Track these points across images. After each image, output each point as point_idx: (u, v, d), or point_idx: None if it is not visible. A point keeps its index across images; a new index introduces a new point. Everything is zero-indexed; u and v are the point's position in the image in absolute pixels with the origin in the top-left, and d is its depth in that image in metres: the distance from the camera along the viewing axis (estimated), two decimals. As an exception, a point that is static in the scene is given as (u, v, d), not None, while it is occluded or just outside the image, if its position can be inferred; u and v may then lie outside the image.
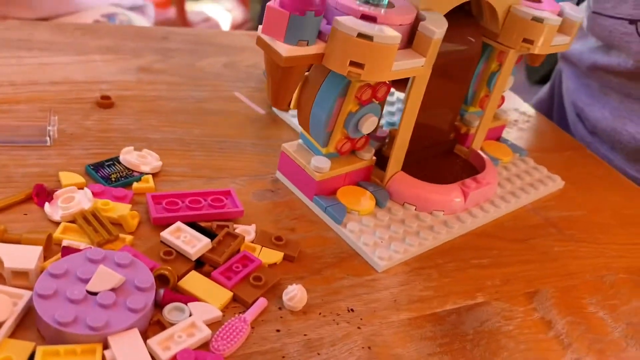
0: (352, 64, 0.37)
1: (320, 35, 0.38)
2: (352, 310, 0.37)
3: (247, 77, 0.62)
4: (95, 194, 0.40)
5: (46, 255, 0.35)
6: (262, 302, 0.35)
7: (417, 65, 0.40)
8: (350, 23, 0.36)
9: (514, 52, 0.48)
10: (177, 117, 0.53)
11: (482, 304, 0.40)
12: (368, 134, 0.45)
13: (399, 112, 0.45)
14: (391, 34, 0.36)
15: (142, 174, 0.44)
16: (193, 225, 0.39)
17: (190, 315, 0.33)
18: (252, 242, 0.40)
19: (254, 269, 0.37)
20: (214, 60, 0.64)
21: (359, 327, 0.36)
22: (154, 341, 0.31)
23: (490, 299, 0.40)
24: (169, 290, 0.34)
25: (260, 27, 0.37)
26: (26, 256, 0.33)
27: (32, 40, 0.60)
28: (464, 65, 0.49)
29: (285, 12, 0.35)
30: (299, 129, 0.45)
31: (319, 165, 0.43)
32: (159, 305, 0.34)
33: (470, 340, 0.37)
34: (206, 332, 0.32)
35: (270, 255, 0.39)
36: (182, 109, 0.54)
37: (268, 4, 0.36)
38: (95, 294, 0.32)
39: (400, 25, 0.38)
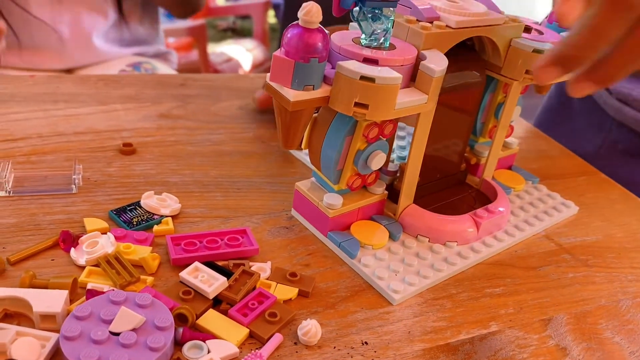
0: (357, 104, 0.39)
1: (325, 79, 0.39)
2: (366, 343, 0.38)
3: (262, 118, 0.65)
4: (117, 238, 0.42)
5: (72, 298, 0.37)
6: (277, 338, 0.36)
7: (420, 103, 0.41)
8: (352, 67, 0.38)
9: (518, 84, 0.49)
10: (195, 160, 0.55)
11: (495, 333, 0.40)
12: (379, 169, 0.46)
13: (409, 146, 0.46)
14: (392, 75, 0.38)
15: (162, 216, 0.46)
16: (210, 264, 0.41)
17: (208, 352, 0.34)
18: (268, 279, 0.41)
19: (270, 305, 0.38)
20: (229, 103, 0.67)
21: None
22: (174, 378, 0.32)
23: (504, 327, 0.41)
24: (187, 328, 0.36)
25: (268, 75, 0.39)
26: (53, 300, 0.35)
27: (57, 93, 0.64)
28: (470, 98, 0.50)
29: (290, 61, 0.37)
30: (312, 166, 0.47)
31: (332, 202, 0.45)
32: (178, 343, 0.35)
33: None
34: (224, 368, 0.33)
35: (285, 292, 0.40)
36: (199, 152, 0.56)
37: (274, 53, 0.38)
38: (117, 334, 0.33)
39: (401, 65, 0.40)
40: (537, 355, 0.39)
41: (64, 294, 0.36)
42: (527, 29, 0.49)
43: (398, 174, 0.51)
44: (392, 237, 0.47)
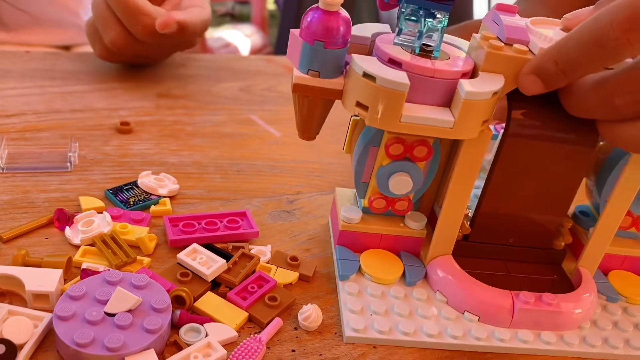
0: (358, 104, 0.34)
1: (345, 73, 0.36)
2: (367, 329, 0.37)
3: (262, 101, 0.63)
4: (114, 218, 0.41)
5: (66, 277, 0.36)
6: (277, 322, 0.35)
7: (443, 126, 0.34)
8: (361, 62, 0.33)
9: None
10: (194, 141, 0.54)
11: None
12: (412, 198, 0.40)
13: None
14: (398, 80, 0.32)
15: (159, 197, 0.45)
16: (209, 246, 0.40)
17: (206, 335, 0.33)
18: (268, 262, 0.40)
19: (269, 289, 0.37)
20: (230, 85, 0.65)
21: (374, 347, 0.36)
22: (171, 362, 0.31)
23: None
24: (185, 311, 0.35)
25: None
26: (47, 279, 0.34)
27: (53, 70, 0.62)
28: (572, 158, 0.37)
29: (299, 39, 0.35)
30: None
31: (348, 215, 0.40)
32: (175, 326, 0.34)
33: (490, 359, 0.36)
34: (222, 352, 0.32)
35: (285, 276, 0.39)
36: (199, 133, 0.55)
37: (292, 30, 0.36)
38: (112, 315, 0.32)
39: (432, 77, 0.34)
40: None
41: (58, 273, 0.35)
42: None
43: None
44: (405, 279, 0.40)
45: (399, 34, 0.35)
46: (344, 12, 0.34)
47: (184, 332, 0.34)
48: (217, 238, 0.41)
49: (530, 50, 0.34)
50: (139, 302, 0.33)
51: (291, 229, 0.44)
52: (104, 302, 0.33)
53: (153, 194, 0.45)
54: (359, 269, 0.40)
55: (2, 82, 0.58)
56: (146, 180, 0.46)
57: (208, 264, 0.38)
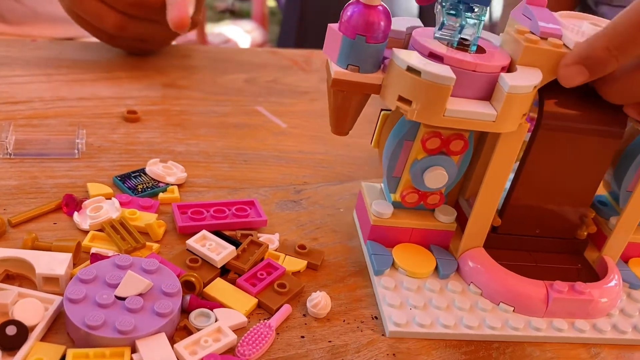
0: (401, 99, 0.34)
1: (383, 68, 0.35)
2: (376, 317, 0.37)
3: (268, 92, 0.63)
4: (122, 204, 0.41)
5: (75, 262, 0.36)
6: (286, 309, 0.35)
7: (486, 119, 0.34)
8: (404, 56, 0.33)
9: None
10: (201, 130, 0.54)
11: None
12: (444, 191, 0.40)
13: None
14: (444, 74, 0.32)
15: (167, 184, 0.45)
16: (218, 233, 0.40)
17: (216, 320, 0.34)
18: (276, 250, 0.40)
19: (278, 276, 0.37)
20: (235, 76, 0.65)
21: (383, 335, 0.36)
22: (181, 345, 0.31)
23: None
24: (195, 296, 0.35)
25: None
26: (56, 263, 0.34)
27: (60, 59, 0.62)
28: (599, 148, 0.38)
29: (339, 33, 0.34)
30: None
31: (379, 209, 0.40)
32: (185, 311, 0.34)
33: (497, 349, 0.37)
34: (232, 337, 0.32)
35: (293, 264, 0.39)
36: (205, 123, 0.55)
37: (330, 24, 0.35)
38: (123, 298, 0.32)
39: (473, 71, 0.34)
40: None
41: (67, 257, 0.35)
42: None
43: None
44: (438, 272, 0.40)
45: (440, 28, 0.35)
46: (384, 6, 0.34)
47: (194, 317, 0.34)
48: (225, 226, 0.41)
49: (564, 44, 0.35)
50: (149, 286, 0.33)
51: (298, 219, 0.44)
52: (115, 286, 0.33)
53: (161, 182, 0.45)
54: (393, 263, 0.40)
55: (10, 69, 0.58)
56: (154, 168, 0.46)
57: (217, 250, 0.38)
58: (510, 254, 0.41)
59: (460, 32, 0.35)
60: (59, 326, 0.32)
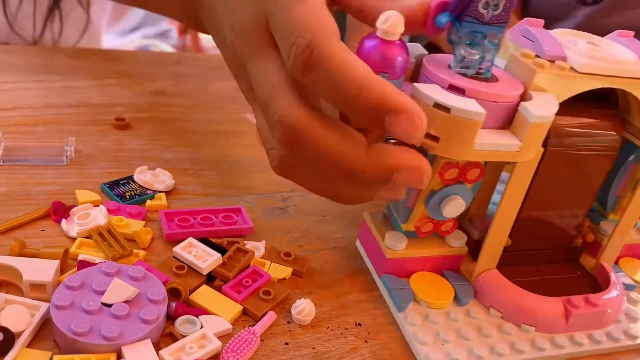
0: (427, 135, 0.32)
1: None
2: (359, 324, 0.38)
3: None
4: (110, 211, 0.42)
5: (63, 269, 0.36)
6: (271, 316, 0.36)
7: (510, 149, 0.34)
8: (429, 91, 0.32)
9: None
10: (190, 138, 0.54)
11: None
12: (458, 218, 0.40)
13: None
14: (474, 109, 0.31)
15: (155, 192, 0.45)
16: (204, 241, 0.40)
17: (201, 327, 0.34)
18: (262, 257, 0.41)
19: (264, 283, 0.38)
20: (225, 84, 0.66)
21: (366, 341, 0.37)
22: (166, 352, 0.32)
23: None
24: (180, 303, 0.35)
25: None
26: (44, 269, 0.35)
27: (51, 65, 0.62)
28: (598, 163, 0.40)
29: None
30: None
31: (393, 242, 0.39)
32: (171, 317, 0.35)
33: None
34: (217, 343, 0.33)
35: (279, 271, 0.40)
36: (194, 130, 0.56)
37: None
38: (109, 305, 0.33)
39: (494, 102, 0.33)
40: None
41: (54, 263, 0.35)
42: None
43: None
44: (457, 300, 0.40)
45: (460, 61, 0.34)
46: (401, 39, 0.32)
47: (180, 323, 0.34)
48: (212, 233, 0.41)
49: (572, 67, 0.35)
50: (135, 293, 0.33)
51: (285, 226, 0.45)
52: (101, 293, 0.33)
53: (149, 189, 0.45)
54: (414, 296, 0.39)
55: (0, 76, 0.58)
56: (142, 175, 0.46)
57: (203, 257, 0.38)
58: (517, 270, 0.41)
59: (481, 63, 0.34)
60: (45, 332, 0.33)
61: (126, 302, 0.33)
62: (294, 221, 0.46)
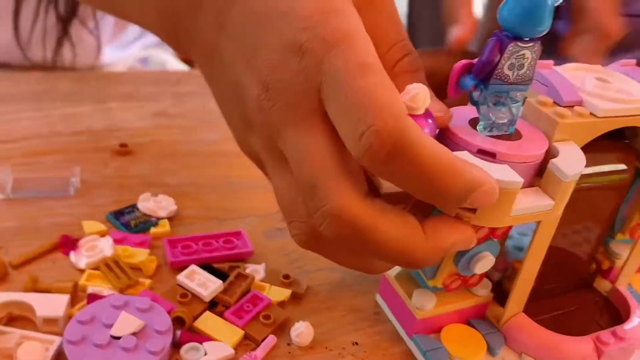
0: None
1: None
2: (356, 343, 0.40)
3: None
4: (116, 241, 0.44)
5: (73, 302, 0.39)
6: (271, 340, 0.38)
7: (544, 210, 0.33)
8: None
9: None
10: (191, 160, 0.56)
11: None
12: None
13: (530, 236, 0.37)
14: (512, 179, 0.30)
15: (159, 218, 0.47)
16: (207, 267, 0.42)
17: (205, 354, 0.36)
18: (262, 280, 0.43)
19: (264, 307, 0.40)
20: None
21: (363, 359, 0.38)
22: (173, 380, 0.34)
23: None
24: (185, 331, 0.37)
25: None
26: (55, 304, 0.37)
27: (53, 91, 0.64)
28: (612, 194, 0.40)
29: None
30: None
31: (422, 302, 0.38)
32: (176, 345, 0.37)
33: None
34: (220, 370, 0.35)
35: (278, 293, 0.42)
36: (195, 152, 0.57)
37: None
38: (118, 338, 0.35)
39: (524, 162, 0.32)
40: None
41: (65, 298, 0.37)
42: None
43: (509, 271, 0.42)
44: (489, 350, 0.39)
45: (490, 128, 0.33)
46: (427, 109, 0.30)
47: (185, 351, 0.36)
48: (214, 259, 0.43)
49: (591, 113, 0.34)
50: (142, 326, 0.35)
51: (284, 247, 0.47)
52: (110, 326, 0.35)
53: (153, 216, 0.47)
54: (448, 355, 0.39)
55: (4, 105, 0.60)
56: (146, 202, 0.48)
57: (206, 284, 0.40)
58: (537, 306, 0.41)
59: (513, 124, 0.33)
60: (59, 366, 0.35)
61: (134, 334, 0.35)
62: (293, 242, 0.47)
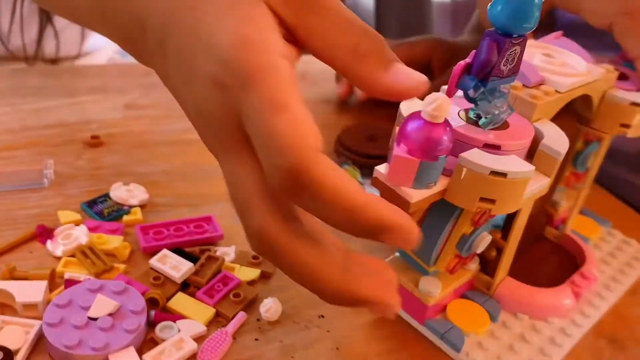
0: (483, 199, 0.34)
1: (444, 171, 0.33)
2: (322, 316, 0.42)
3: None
4: (90, 229, 0.46)
5: (51, 287, 0.40)
6: (241, 316, 0.40)
7: (543, 188, 0.37)
8: (478, 159, 0.33)
9: (609, 136, 0.46)
10: (161, 149, 0.58)
11: (438, 302, 0.45)
12: None
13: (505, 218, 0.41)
14: (526, 169, 0.33)
15: (131, 207, 0.49)
16: (178, 251, 0.44)
17: (178, 331, 0.38)
18: (232, 262, 0.45)
19: (234, 286, 0.42)
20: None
21: (328, 331, 0.41)
22: (149, 356, 0.36)
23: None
24: (159, 311, 0.39)
25: (381, 173, 0.33)
26: (34, 290, 0.39)
27: (25, 87, 0.65)
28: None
29: (415, 160, 0.31)
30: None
31: (430, 289, 0.41)
32: (151, 324, 0.39)
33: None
34: (193, 345, 0.37)
35: (248, 273, 0.44)
36: (165, 141, 0.59)
37: (395, 153, 0.32)
38: (95, 319, 0.37)
39: (523, 148, 0.36)
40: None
41: (43, 284, 0.39)
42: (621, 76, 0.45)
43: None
44: (491, 318, 0.43)
45: (492, 119, 0.34)
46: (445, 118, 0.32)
47: (159, 329, 0.38)
48: (185, 243, 0.45)
49: (556, 90, 0.38)
50: (117, 307, 0.38)
51: (253, 229, 0.49)
52: (87, 308, 0.37)
53: (125, 204, 0.49)
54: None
55: (-25, 101, 0.61)
56: (117, 192, 0.50)
57: (177, 267, 0.42)
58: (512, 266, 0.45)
59: (512, 110, 0.36)
60: (40, 347, 0.37)
61: (110, 315, 0.37)
62: (261, 224, 0.50)
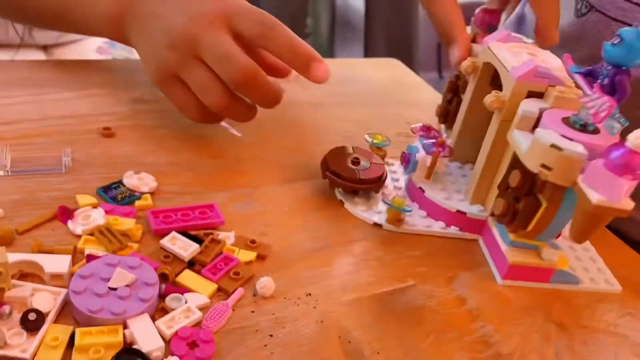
0: (542, 165, 0.45)
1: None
2: (309, 294, 0.48)
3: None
4: (106, 212, 0.51)
5: (74, 261, 0.46)
6: (240, 291, 0.46)
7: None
8: (548, 135, 0.45)
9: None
10: (168, 142, 0.63)
11: (410, 287, 0.51)
12: None
13: None
14: (579, 150, 0.43)
15: (142, 193, 0.55)
16: (185, 234, 0.50)
17: (186, 302, 0.44)
18: (232, 245, 0.51)
19: (234, 266, 0.48)
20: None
21: (314, 307, 0.47)
22: (161, 322, 0.42)
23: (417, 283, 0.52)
24: (169, 284, 0.45)
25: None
26: (59, 262, 0.44)
27: (40, 78, 0.71)
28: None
29: (611, 175, 0.41)
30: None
31: (550, 257, 0.52)
32: (162, 296, 0.45)
33: (400, 313, 0.48)
34: (198, 314, 0.43)
35: (246, 255, 0.50)
36: (172, 135, 0.65)
37: (594, 163, 0.42)
38: (115, 289, 0.42)
39: (598, 150, 0.44)
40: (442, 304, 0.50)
41: (67, 257, 0.45)
42: None
43: None
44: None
45: (583, 128, 0.46)
46: None
47: (169, 300, 0.44)
48: (190, 227, 0.51)
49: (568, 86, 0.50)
50: (134, 279, 0.43)
51: (251, 217, 0.55)
52: (107, 280, 0.43)
53: (136, 191, 0.55)
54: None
55: (-4, 91, 0.67)
56: (130, 179, 0.55)
57: (185, 247, 0.48)
58: None
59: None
60: (66, 312, 0.42)
61: (127, 286, 0.43)
62: (259, 213, 0.56)
